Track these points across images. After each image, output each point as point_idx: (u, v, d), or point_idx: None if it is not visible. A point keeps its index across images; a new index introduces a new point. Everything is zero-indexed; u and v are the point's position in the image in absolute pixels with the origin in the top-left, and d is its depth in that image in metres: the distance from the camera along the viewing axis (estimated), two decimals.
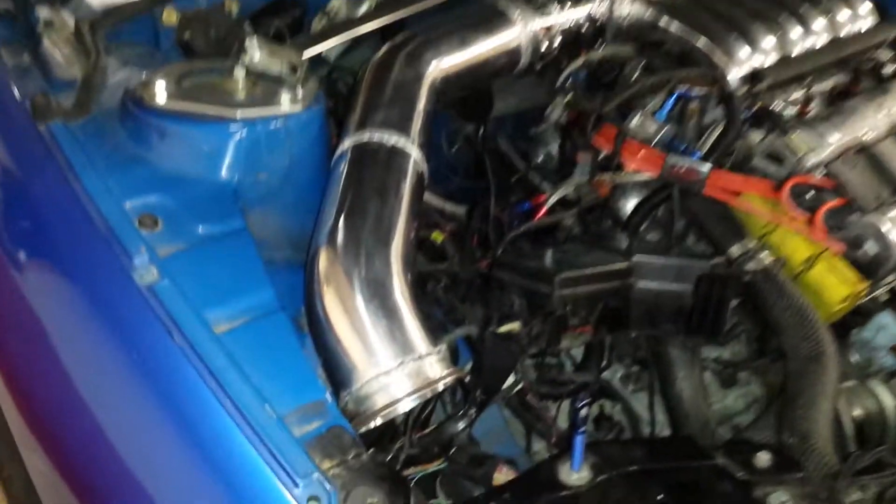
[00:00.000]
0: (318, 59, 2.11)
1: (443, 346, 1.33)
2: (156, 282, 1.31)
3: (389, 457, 1.37)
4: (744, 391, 1.82)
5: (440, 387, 1.28)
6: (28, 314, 1.48)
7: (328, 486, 1.12)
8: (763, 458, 1.34)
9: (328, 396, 1.25)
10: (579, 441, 1.25)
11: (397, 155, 1.50)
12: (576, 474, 1.28)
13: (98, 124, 1.62)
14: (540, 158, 2.14)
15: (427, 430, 1.47)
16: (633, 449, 1.39)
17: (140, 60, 1.89)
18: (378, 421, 1.25)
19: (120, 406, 1.32)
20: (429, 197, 1.98)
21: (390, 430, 1.42)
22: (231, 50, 1.66)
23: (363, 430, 1.24)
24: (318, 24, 2.20)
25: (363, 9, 2.15)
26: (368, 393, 1.26)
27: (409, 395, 1.26)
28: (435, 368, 1.29)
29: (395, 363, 1.26)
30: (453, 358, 1.52)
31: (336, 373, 1.30)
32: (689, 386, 1.69)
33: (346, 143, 1.51)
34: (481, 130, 2.23)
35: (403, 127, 1.54)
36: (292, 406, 1.21)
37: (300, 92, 1.60)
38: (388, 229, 1.39)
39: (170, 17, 2.04)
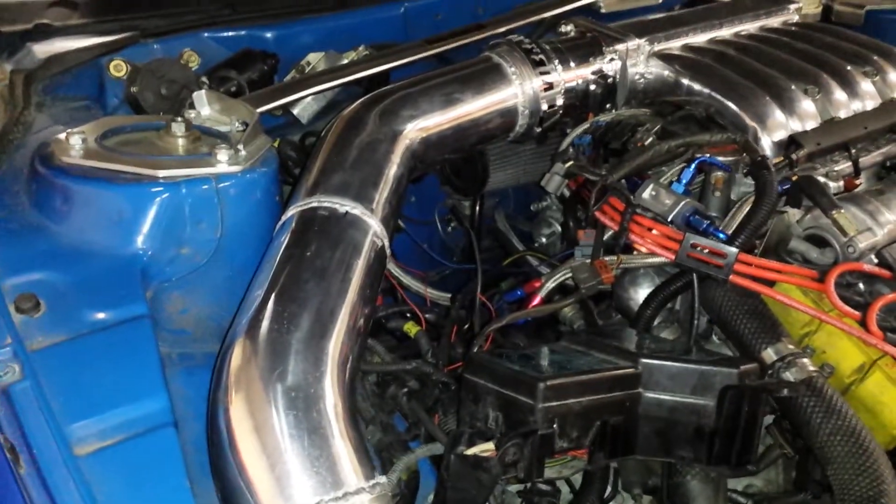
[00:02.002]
0: (292, 122, 2.00)
1: (381, 480, 1.07)
2: (13, 382, 1.11)
3: None
4: None
5: None
6: None
7: None
8: None
9: None
10: None
11: (351, 226, 1.32)
12: None
13: (2, 187, 1.49)
14: (543, 239, 2.07)
15: None
16: None
17: (76, 116, 1.78)
18: None
19: None
20: (408, 281, 1.82)
21: None
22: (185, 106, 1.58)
23: None
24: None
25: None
26: None
27: None
28: None
29: (311, 503, 1.01)
30: (411, 488, 1.25)
31: None
32: None
33: (291, 210, 1.35)
34: (477, 206, 2.13)
35: (363, 194, 1.37)
36: None
37: (242, 150, 1.43)
38: (327, 320, 1.18)
39: (118, 68, 1.93)
